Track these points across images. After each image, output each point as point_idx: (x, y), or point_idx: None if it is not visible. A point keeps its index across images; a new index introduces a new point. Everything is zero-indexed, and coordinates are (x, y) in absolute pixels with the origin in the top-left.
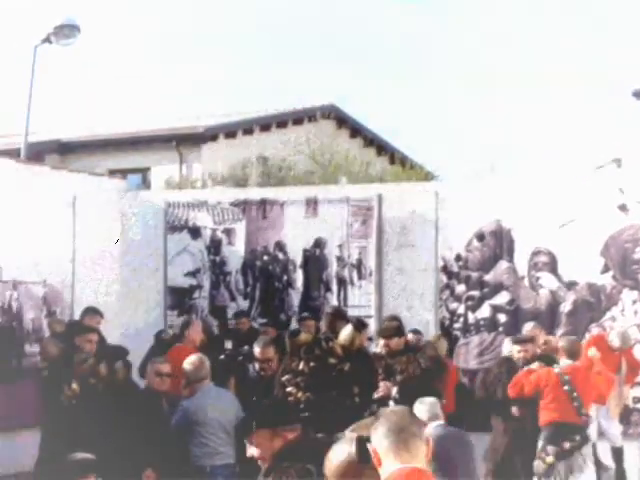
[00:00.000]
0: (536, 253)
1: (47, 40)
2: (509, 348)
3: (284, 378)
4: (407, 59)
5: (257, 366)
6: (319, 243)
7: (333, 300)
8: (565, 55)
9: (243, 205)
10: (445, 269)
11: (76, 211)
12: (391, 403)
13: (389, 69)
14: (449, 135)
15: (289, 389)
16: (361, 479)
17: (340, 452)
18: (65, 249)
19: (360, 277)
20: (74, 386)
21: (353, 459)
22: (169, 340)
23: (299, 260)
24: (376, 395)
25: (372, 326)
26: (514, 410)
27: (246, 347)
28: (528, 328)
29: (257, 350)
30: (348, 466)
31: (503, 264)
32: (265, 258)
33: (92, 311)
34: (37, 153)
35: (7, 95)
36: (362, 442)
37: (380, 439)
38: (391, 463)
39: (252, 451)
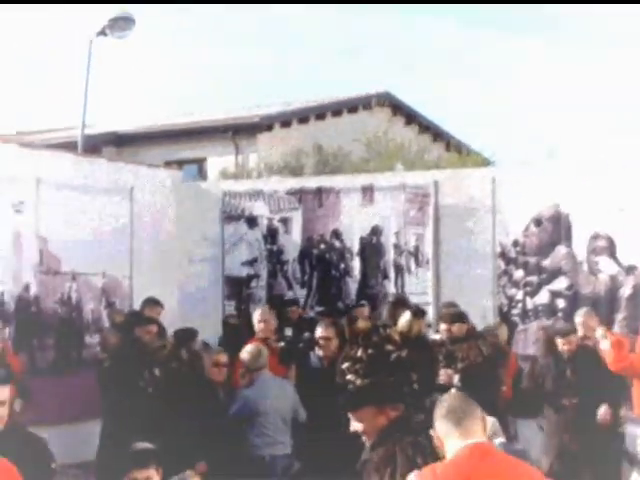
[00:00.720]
0: (595, 237)
1: (102, 33)
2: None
3: (344, 366)
4: (460, 44)
5: (317, 348)
6: (376, 231)
7: (390, 288)
8: (626, 39)
9: (299, 194)
10: (503, 255)
11: (133, 202)
12: (452, 390)
13: (442, 56)
14: (505, 121)
15: (349, 377)
16: None
17: None
18: (123, 240)
19: (417, 264)
20: (156, 372)
21: None
22: (237, 325)
23: (356, 248)
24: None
25: (430, 313)
26: (565, 401)
27: (307, 334)
28: (581, 314)
29: (319, 330)
30: None
31: (561, 249)
32: (322, 246)
33: (152, 302)
34: (94, 146)
35: (64, 89)
36: None
37: (439, 423)
38: (453, 442)
39: (356, 426)
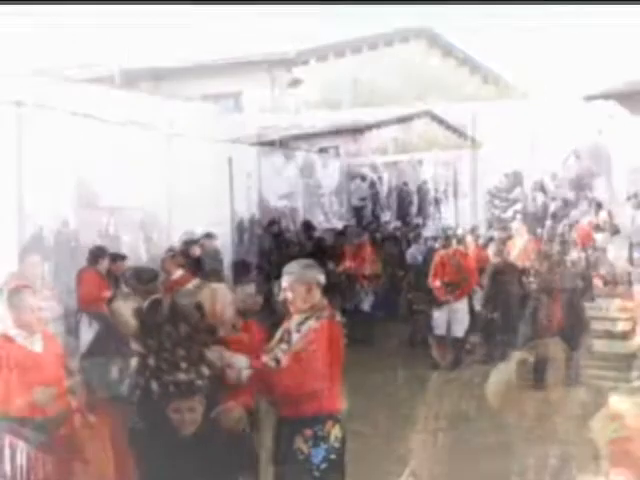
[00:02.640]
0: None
1: None
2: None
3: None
4: None
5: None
6: (413, 163)
7: (428, 219)
8: None
9: (336, 127)
10: (541, 188)
11: (171, 136)
12: None
13: None
14: (543, 54)
15: None
16: (519, 401)
17: (501, 372)
18: (160, 174)
19: (454, 197)
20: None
21: (512, 380)
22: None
23: (393, 180)
24: None
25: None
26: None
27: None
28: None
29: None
30: (506, 387)
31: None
32: (358, 179)
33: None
34: (132, 80)
35: (102, 24)
36: (522, 363)
37: None
38: None
39: None
